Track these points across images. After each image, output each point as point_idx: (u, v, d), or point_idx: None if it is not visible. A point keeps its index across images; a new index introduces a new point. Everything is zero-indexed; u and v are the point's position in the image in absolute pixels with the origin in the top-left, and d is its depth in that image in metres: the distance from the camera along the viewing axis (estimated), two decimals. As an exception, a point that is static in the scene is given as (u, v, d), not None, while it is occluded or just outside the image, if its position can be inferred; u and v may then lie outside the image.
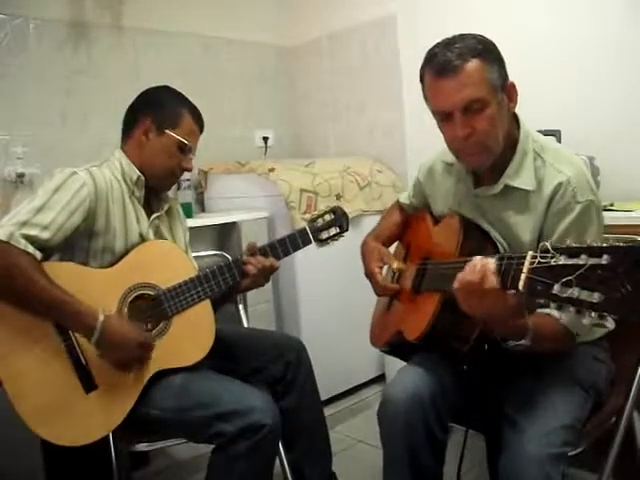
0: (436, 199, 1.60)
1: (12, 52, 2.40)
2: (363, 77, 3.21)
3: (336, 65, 3.35)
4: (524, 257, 1.00)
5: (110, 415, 1.46)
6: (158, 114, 1.60)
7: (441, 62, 1.27)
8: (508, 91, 1.31)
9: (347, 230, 1.77)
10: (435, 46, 1.32)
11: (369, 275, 1.65)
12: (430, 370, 1.38)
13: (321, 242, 1.74)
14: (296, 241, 1.69)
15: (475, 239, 1.40)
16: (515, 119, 1.39)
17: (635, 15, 2.18)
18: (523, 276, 0.99)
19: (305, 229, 1.71)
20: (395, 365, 1.60)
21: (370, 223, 2.68)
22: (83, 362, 1.45)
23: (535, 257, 0.98)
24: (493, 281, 1.08)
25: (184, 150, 1.62)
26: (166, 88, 1.68)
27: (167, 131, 1.59)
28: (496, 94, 1.28)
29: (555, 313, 1.24)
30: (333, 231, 1.76)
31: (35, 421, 1.41)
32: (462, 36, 1.31)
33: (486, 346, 1.31)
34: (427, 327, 1.34)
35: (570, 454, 1.27)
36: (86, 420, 1.45)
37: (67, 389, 1.44)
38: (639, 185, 2.14)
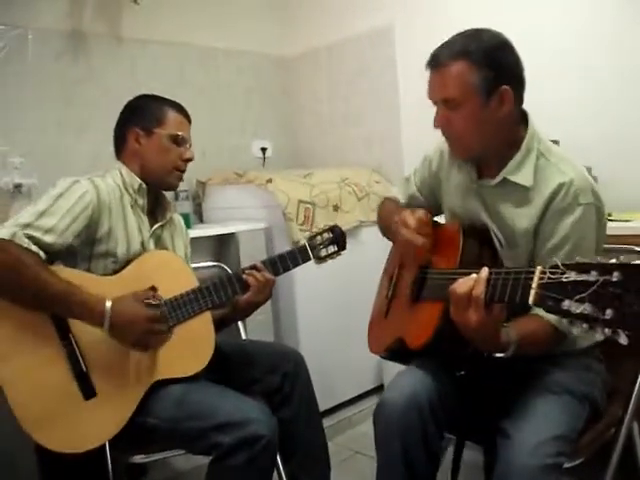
0: (449, 189, 1.57)
1: (11, 62, 2.40)
2: (360, 87, 3.22)
3: (333, 75, 3.36)
4: (533, 272, 1.03)
5: (108, 423, 1.45)
6: (142, 119, 1.64)
7: (433, 55, 1.36)
8: (500, 96, 1.31)
9: (345, 249, 1.82)
10: (447, 39, 1.38)
11: (399, 223, 1.47)
12: (429, 374, 1.38)
13: (320, 259, 1.78)
14: (295, 258, 1.73)
15: (475, 247, 1.41)
16: (525, 119, 1.41)
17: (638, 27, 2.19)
18: (532, 291, 1.02)
19: (305, 246, 1.75)
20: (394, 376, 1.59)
21: (369, 234, 2.70)
22: (83, 369, 1.45)
23: (544, 272, 1.01)
24: (480, 289, 1.12)
25: (178, 142, 1.65)
26: (143, 95, 1.72)
27: (155, 130, 1.63)
28: (475, 97, 1.30)
29: (542, 313, 1.25)
30: (332, 249, 1.81)
31: (33, 426, 1.40)
32: (469, 33, 1.36)
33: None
34: (430, 336, 1.34)
35: (569, 466, 1.27)
36: (84, 427, 1.44)
37: (66, 395, 1.44)
38: (637, 195, 2.14)
